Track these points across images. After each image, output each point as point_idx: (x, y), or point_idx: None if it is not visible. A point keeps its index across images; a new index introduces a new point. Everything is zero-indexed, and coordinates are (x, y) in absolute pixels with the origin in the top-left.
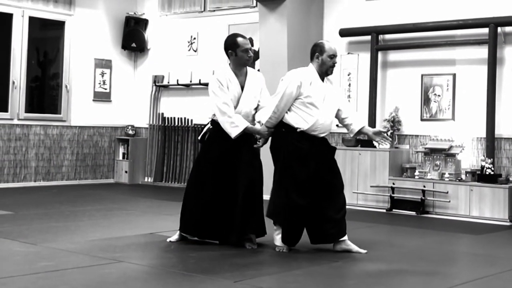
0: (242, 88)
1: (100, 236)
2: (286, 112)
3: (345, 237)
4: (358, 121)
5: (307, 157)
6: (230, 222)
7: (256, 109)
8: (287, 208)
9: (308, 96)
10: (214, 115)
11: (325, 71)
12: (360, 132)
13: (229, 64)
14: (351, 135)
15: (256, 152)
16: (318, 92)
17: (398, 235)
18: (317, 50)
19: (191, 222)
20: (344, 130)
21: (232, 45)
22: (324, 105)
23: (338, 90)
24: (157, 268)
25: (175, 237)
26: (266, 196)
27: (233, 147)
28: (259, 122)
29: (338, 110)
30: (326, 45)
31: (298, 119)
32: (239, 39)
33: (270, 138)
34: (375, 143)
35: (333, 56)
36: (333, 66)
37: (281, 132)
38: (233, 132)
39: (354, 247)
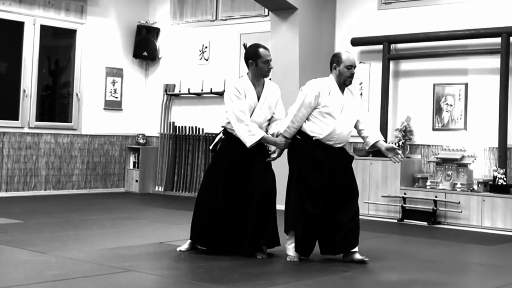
0: (258, 98)
1: (110, 245)
2: (305, 121)
3: (355, 249)
4: (374, 134)
5: (321, 166)
6: (241, 233)
7: (270, 120)
8: (301, 217)
9: (325, 106)
10: (229, 123)
11: (343, 82)
12: (374, 146)
13: (248, 73)
14: (367, 148)
15: (269, 163)
16: (336, 102)
17: (409, 245)
18: (334, 60)
19: (201, 233)
20: (356, 140)
21: (253, 55)
22: (341, 116)
23: (358, 101)
24: (167, 278)
25: (185, 246)
26: (280, 206)
27: (245, 157)
28: (272, 134)
29: (357, 121)
30: (344, 55)
31: (315, 128)
32: (261, 50)
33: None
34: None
35: (350, 67)
36: (350, 76)
37: (297, 140)
38: (249, 141)
39: (357, 257)
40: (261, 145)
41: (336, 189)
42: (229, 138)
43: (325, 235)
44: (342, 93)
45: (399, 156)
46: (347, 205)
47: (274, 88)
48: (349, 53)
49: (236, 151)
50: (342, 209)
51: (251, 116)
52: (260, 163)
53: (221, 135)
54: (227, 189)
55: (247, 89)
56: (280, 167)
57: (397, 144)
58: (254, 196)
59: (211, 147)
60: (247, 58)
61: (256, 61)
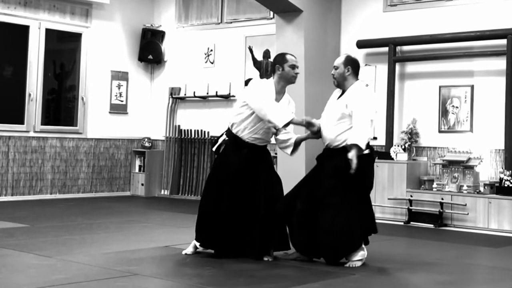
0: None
1: (116, 249)
2: None
3: (356, 255)
4: (351, 138)
5: (316, 165)
6: (248, 237)
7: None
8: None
9: None
10: (247, 118)
11: (334, 82)
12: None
13: (273, 78)
14: None
15: (273, 166)
16: (328, 104)
17: (416, 248)
18: None
19: (208, 236)
20: None
21: (280, 60)
22: (325, 117)
23: (352, 102)
24: (173, 281)
25: (190, 249)
26: None
27: (251, 160)
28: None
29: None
30: None
31: None
32: (288, 56)
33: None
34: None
35: (333, 68)
36: (332, 76)
37: None
38: (282, 120)
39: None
40: (265, 149)
41: (317, 190)
42: (234, 139)
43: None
44: (342, 94)
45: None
46: (325, 216)
47: (292, 102)
48: (340, 56)
49: (242, 154)
50: (322, 218)
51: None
52: (265, 168)
53: (224, 136)
54: (232, 191)
55: (270, 91)
56: (288, 172)
57: (402, 147)
58: (262, 200)
59: (214, 149)
60: (273, 64)
61: (283, 65)
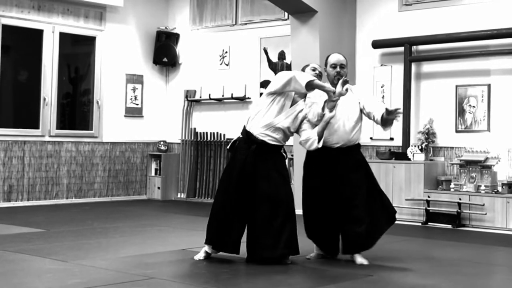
0: (293, 103)
1: (132, 252)
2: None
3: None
4: (379, 111)
5: (317, 168)
6: (254, 239)
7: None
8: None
9: None
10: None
11: (331, 82)
12: (383, 120)
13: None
14: (383, 129)
15: (283, 168)
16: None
17: (434, 249)
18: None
19: (214, 233)
20: (378, 143)
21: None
22: (339, 119)
23: (361, 95)
24: (190, 285)
25: (201, 254)
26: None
27: (257, 156)
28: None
29: (368, 112)
30: (330, 56)
31: None
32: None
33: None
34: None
35: (338, 66)
36: (338, 73)
37: None
38: (306, 78)
39: (358, 259)
40: (277, 150)
41: (335, 191)
42: (246, 135)
43: (332, 237)
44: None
45: (400, 111)
46: (349, 210)
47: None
48: (337, 54)
49: (250, 150)
50: (345, 213)
51: (277, 115)
52: (272, 167)
53: (239, 135)
54: (237, 188)
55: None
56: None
57: (419, 147)
58: (264, 202)
59: (228, 147)
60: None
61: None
